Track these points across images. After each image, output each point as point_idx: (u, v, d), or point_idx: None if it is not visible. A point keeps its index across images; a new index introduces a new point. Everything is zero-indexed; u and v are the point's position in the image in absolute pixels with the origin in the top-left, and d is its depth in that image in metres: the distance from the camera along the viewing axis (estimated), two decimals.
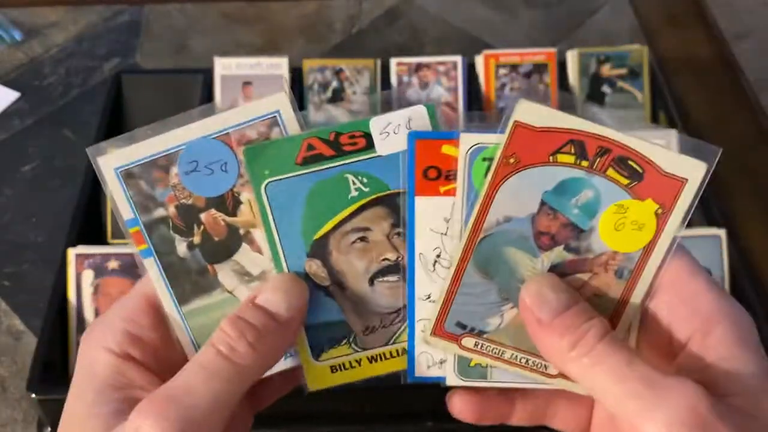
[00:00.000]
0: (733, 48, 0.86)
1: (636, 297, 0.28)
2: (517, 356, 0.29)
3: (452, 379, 0.32)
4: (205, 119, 0.33)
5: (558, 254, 0.28)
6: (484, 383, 0.31)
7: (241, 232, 0.32)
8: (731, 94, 0.85)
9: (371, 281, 0.32)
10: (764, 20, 1.00)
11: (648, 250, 0.28)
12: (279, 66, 0.85)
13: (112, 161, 0.34)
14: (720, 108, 0.89)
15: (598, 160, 0.27)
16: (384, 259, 0.32)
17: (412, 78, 0.87)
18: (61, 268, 0.70)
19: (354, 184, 0.32)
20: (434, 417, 0.67)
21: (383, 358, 0.34)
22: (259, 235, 0.32)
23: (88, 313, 0.69)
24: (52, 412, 0.66)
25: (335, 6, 1.09)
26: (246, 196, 0.32)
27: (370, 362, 0.33)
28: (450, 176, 0.29)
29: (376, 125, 0.32)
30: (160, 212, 0.32)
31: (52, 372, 0.66)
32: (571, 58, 0.88)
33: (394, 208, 0.31)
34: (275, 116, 0.34)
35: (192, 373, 0.28)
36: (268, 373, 0.30)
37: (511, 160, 0.28)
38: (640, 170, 0.27)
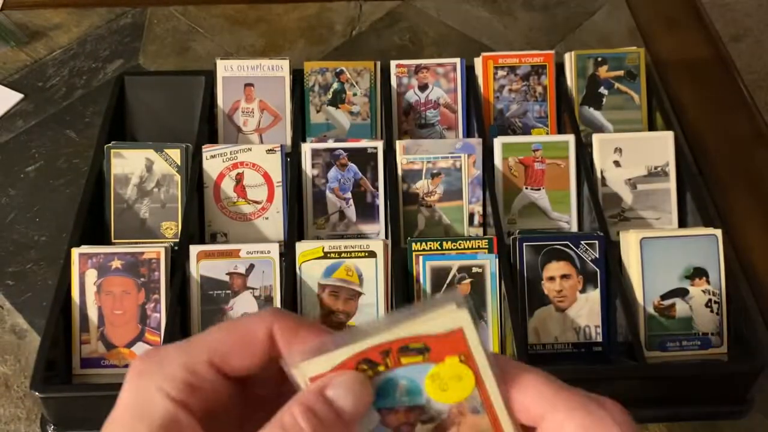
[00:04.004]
0: (730, 49, 0.87)
1: (502, 414, 0.31)
2: None
3: None
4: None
5: (423, 430, 0.31)
6: None
7: None
8: (728, 95, 0.85)
9: None
10: (760, 21, 1.01)
11: (479, 382, 0.30)
12: (280, 68, 0.86)
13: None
14: (716, 109, 0.90)
15: (387, 360, 0.30)
16: None
17: (412, 79, 0.88)
18: (64, 267, 0.71)
19: None
20: None
21: None
22: None
23: (92, 312, 0.70)
24: (55, 409, 0.67)
25: (336, 8, 1.09)
26: None
27: None
28: None
29: None
30: None
31: (56, 370, 0.67)
32: (569, 59, 0.88)
33: None
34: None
35: None
36: None
37: None
38: (423, 346, 0.30)
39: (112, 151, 0.79)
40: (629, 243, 0.73)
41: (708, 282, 0.72)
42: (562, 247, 0.73)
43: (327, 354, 0.29)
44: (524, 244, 0.73)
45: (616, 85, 0.88)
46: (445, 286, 0.72)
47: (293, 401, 0.29)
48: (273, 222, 0.78)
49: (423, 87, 0.88)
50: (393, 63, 0.88)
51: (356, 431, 0.30)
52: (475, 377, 0.30)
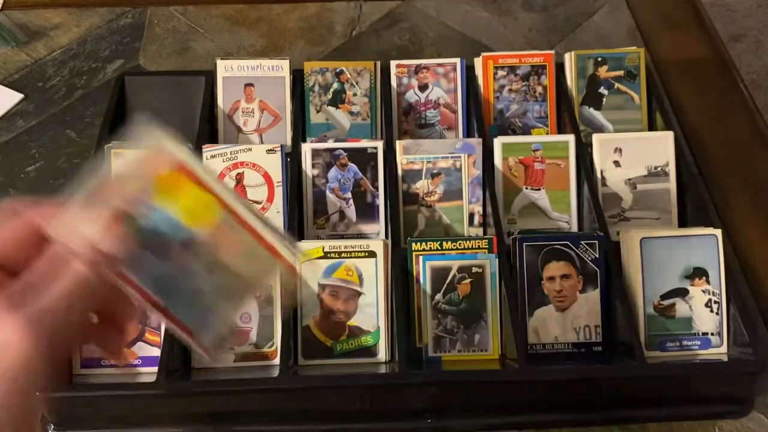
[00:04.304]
0: (729, 49, 0.87)
1: (256, 223, 0.37)
2: None
3: None
4: None
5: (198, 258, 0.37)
6: None
7: None
8: (727, 95, 0.85)
9: None
10: (759, 21, 1.01)
11: (225, 205, 0.37)
12: (280, 68, 0.86)
13: None
14: (716, 109, 0.90)
15: (138, 208, 0.36)
16: None
17: (412, 79, 0.88)
18: None
19: None
20: (433, 414, 0.68)
21: None
22: None
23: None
24: (55, 409, 0.67)
25: (336, 8, 1.09)
26: None
27: None
28: None
29: None
30: None
31: (56, 370, 0.67)
32: (569, 60, 0.89)
33: None
34: None
35: None
36: None
37: None
38: (162, 188, 0.36)
39: (113, 151, 0.79)
40: (629, 243, 0.73)
41: (708, 282, 0.72)
42: (562, 247, 0.73)
43: (83, 216, 0.34)
44: (524, 244, 0.73)
45: (616, 85, 0.88)
46: (445, 285, 0.72)
47: (70, 256, 0.33)
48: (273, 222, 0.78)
49: (423, 87, 0.88)
50: (393, 63, 0.88)
51: (134, 273, 0.35)
52: (219, 201, 0.36)
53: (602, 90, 0.88)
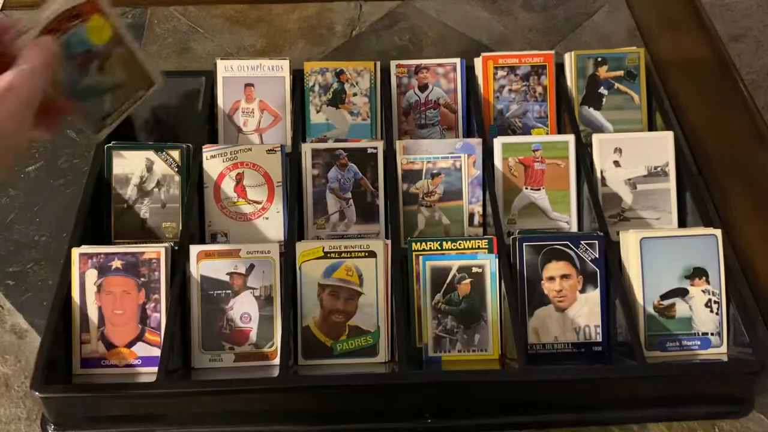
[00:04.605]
0: (729, 49, 0.87)
1: (131, 44, 0.60)
2: None
3: None
4: None
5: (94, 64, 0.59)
6: None
7: None
8: (727, 95, 0.85)
9: None
10: (759, 21, 1.01)
11: (115, 29, 0.59)
12: (280, 68, 0.86)
13: None
14: (716, 109, 0.90)
15: (64, 25, 0.55)
16: None
17: (412, 80, 0.88)
18: (65, 267, 0.71)
19: None
20: (433, 414, 0.68)
21: None
22: None
23: (92, 312, 0.70)
24: (56, 409, 0.67)
25: (336, 8, 1.10)
26: None
27: None
28: None
29: None
30: None
31: (56, 370, 0.67)
32: (569, 60, 0.89)
33: None
34: None
35: None
36: None
37: None
38: (78, 14, 0.56)
39: (113, 151, 0.79)
40: (629, 243, 0.73)
41: (708, 282, 0.72)
42: (562, 247, 0.73)
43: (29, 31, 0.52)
44: (524, 244, 0.73)
45: (616, 85, 0.88)
46: (445, 285, 0.72)
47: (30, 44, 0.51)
48: (273, 222, 0.78)
49: (423, 87, 0.88)
50: (393, 63, 0.88)
51: (62, 71, 0.55)
52: (112, 26, 0.58)
53: (602, 90, 0.88)
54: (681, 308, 0.72)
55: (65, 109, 0.57)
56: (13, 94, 0.48)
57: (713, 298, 0.72)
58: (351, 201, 0.80)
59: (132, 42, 0.60)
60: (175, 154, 0.79)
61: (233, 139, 0.85)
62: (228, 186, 0.79)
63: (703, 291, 0.72)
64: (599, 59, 0.88)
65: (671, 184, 0.82)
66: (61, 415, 0.67)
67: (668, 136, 0.83)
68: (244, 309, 0.71)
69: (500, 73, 0.88)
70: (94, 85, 0.60)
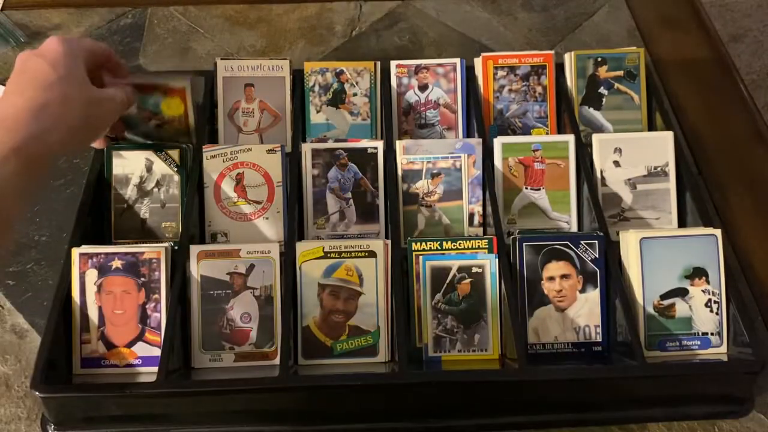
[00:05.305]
0: (729, 49, 0.87)
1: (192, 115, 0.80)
2: None
3: None
4: None
5: (153, 122, 0.79)
6: None
7: None
8: (727, 95, 0.85)
9: None
10: (759, 21, 1.01)
11: (186, 107, 0.79)
12: (280, 68, 0.86)
13: None
14: (716, 109, 0.90)
15: (155, 91, 0.77)
16: None
17: (412, 80, 0.88)
18: (65, 267, 0.71)
19: None
20: (433, 414, 0.68)
21: None
22: None
23: (92, 312, 0.70)
24: (56, 409, 0.67)
25: (336, 8, 1.10)
26: None
27: None
28: None
29: None
30: None
31: (56, 370, 0.67)
32: (569, 60, 0.89)
33: None
34: None
35: None
36: None
37: None
38: (163, 88, 0.77)
39: (112, 151, 0.79)
40: (629, 243, 0.73)
41: (708, 282, 0.72)
42: (562, 247, 0.73)
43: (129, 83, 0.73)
44: (524, 244, 0.73)
45: (616, 85, 0.88)
46: (445, 285, 0.72)
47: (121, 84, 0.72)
48: (273, 222, 0.78)
49: (423, 87, 0.88)
50: (393, 63, 0.88)
51: (132, 115, 0.77)
52: (184, 109, 0.78)
53: (602, 90, 0.88)
54: (681, 308, 0.72)
55: (116, 132, 0.79)
56: (114, 103, 0.69)
57: (713, 298, 0.72)
58: (351, 201, 0.80)
59: (193, 121, 0.79)
60: (175, 154, 0.79)
61: (233, 139, 0.85)
62: (228, 186, 0.79)
63: (703, 291, 0.72)
64: (599, 59, 0.88)
65: (671, 184, 0.82)
66: (61, 414, 0.67)
67: (668, 136, 0.83)
68: (244, 309, 0.71)
69: (500, 73, 0.88)
70: (148, 132, 0.79)
